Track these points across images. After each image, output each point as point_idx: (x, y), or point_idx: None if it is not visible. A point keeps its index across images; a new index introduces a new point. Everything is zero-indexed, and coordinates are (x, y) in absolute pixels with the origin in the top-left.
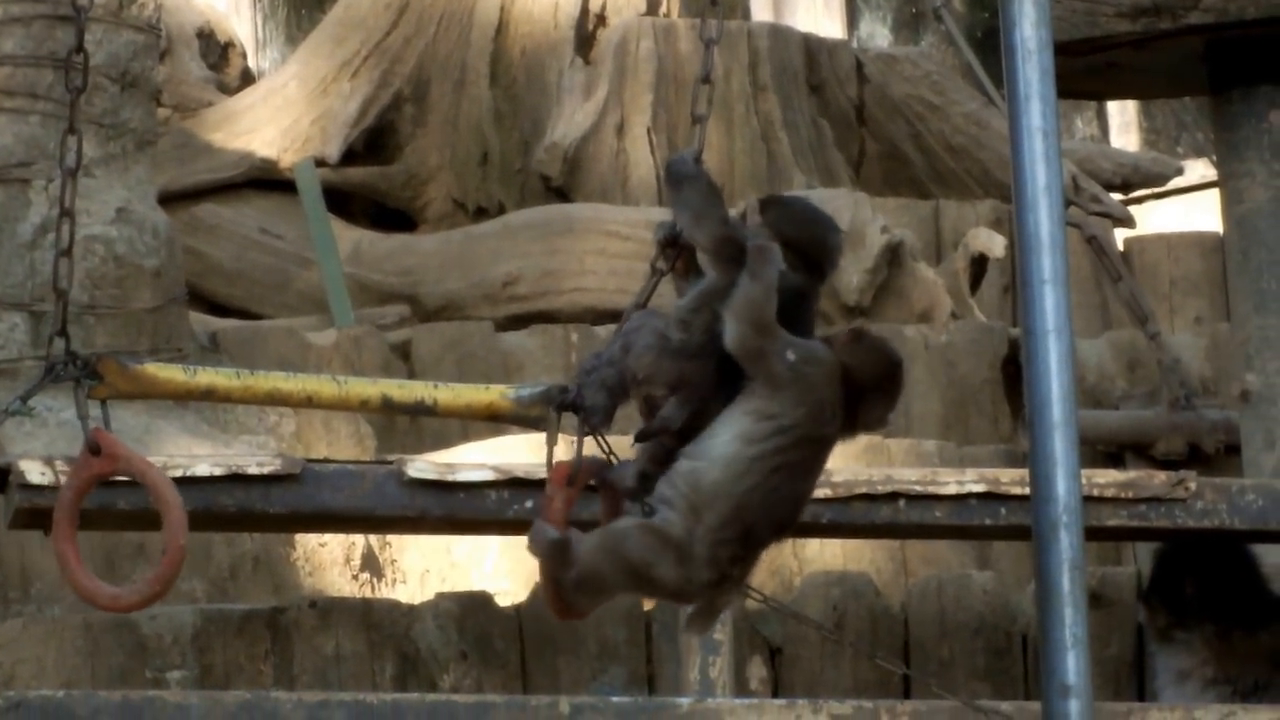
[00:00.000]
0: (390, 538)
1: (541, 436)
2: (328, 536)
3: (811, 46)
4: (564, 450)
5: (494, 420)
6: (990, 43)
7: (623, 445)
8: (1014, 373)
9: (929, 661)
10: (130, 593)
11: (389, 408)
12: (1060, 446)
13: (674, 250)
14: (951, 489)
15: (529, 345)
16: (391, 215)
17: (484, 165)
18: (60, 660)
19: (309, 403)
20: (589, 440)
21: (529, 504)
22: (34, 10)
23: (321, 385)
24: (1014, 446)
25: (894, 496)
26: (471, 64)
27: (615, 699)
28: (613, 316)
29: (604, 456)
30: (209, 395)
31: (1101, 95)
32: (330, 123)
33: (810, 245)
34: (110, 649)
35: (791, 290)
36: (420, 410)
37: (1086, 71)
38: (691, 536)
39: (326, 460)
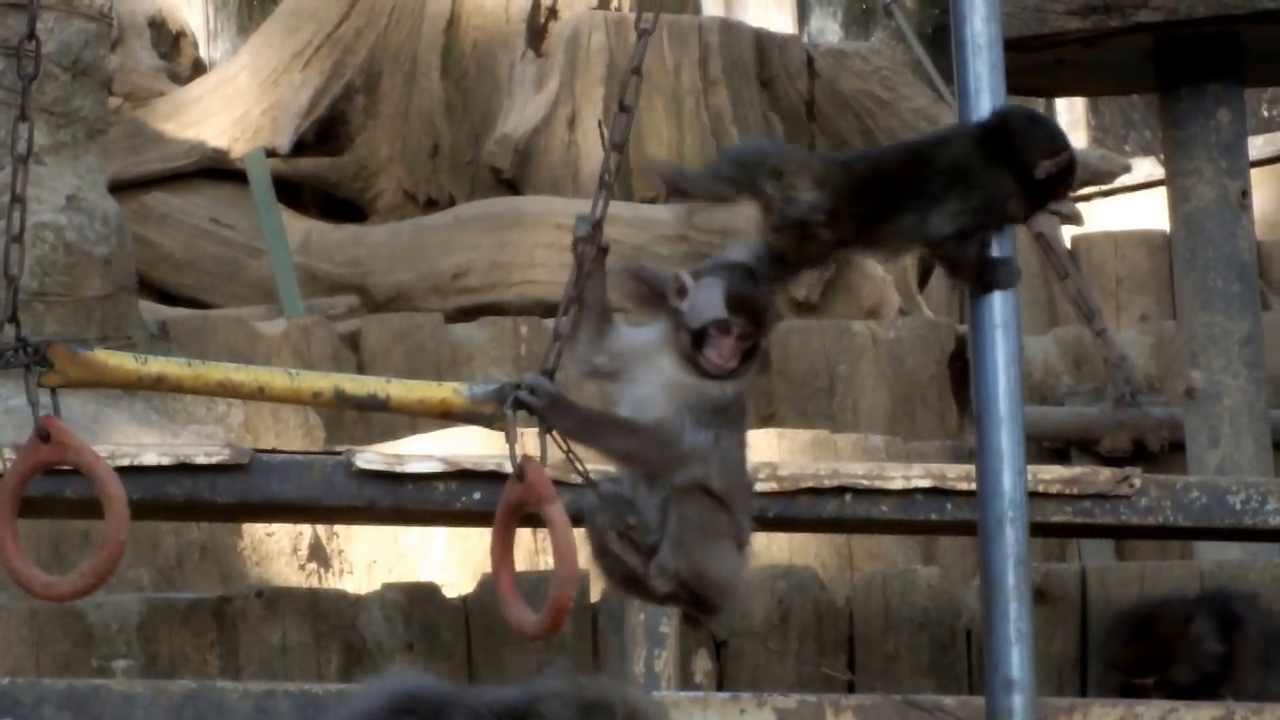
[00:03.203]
0: (338, 528)
1: (489, 430)
2: (275, 526)
3: (762, 41)
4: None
5: (446, 418)
6: (940, 39)
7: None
8: (961, 369)
9: (873, 656)
10: (65, 582)
11: (341, 401)
12: (1007, 442)
13: (590, 246)
14: (898, 484)
15: (478, 337)
16: (342, 206)
17: (434, 157)
18: (5, 648)
19: (261, 394)
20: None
21: (477, 495)
22: None
23: (273, 377)
24: (960, 442)
25: (840, 491)
26: (423, 56)
27: None
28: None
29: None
30: (160, 384)
31: (1050, 92)
32: (281, 113)
33: (1005, 132)
34: (56, 637)
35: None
36: (372, 405)
37: (1036, 68)
38: None
39: (275, 450)
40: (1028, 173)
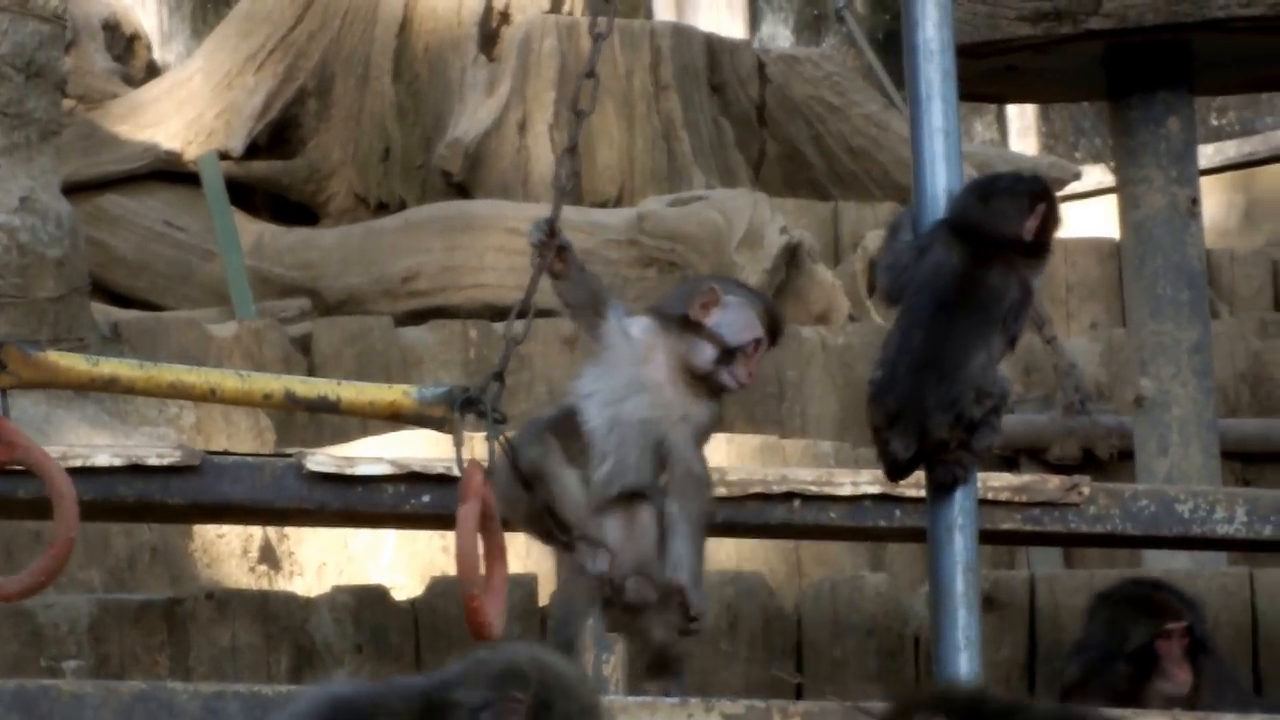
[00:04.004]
0: (288, 530)
1: (439, 433)
2: (226, 528)
3: (714, 46)
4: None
5: (396, 419)
6: (892, 45)
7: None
8: None
9: (821, 662)
10: (14, 582)
11: (292, 403)
12: None
13: (549, 250)
14: (847, 490)
15: (428, 340)
16: (294, 209)
17: (386, 160)
18: None
19: (212, 395)
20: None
21: (426, 498)
22: None
23: (225, 379)
24: None
25: (789, 497)
26: (375, 60)
27: None
28: (511, 313)
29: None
30: (112, 385)
31: (1001, 98)
32: (234, 116)
33: (970, 221)
34: (5, 637)
35: (948, 271)
36: (323, 407)
37: (987, 74)
38: None
39: (226, 452)
40: (1020, 243)
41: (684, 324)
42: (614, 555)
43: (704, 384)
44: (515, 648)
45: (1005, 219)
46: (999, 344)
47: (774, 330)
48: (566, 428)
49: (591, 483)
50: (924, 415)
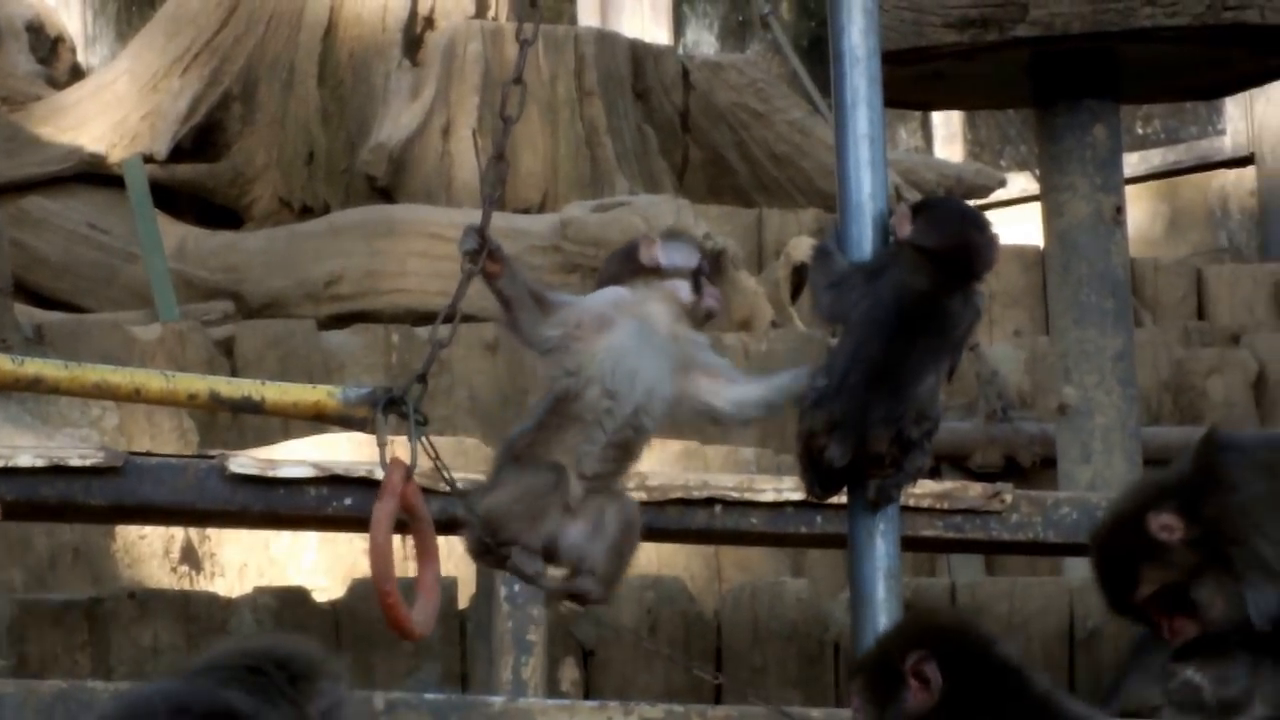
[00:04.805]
0: (210, 531)
1: (362, 435)
2: (148, 529)
3: (638, 53)
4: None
5: (320, 420)
6: (816, 52)
7: (443, 445)
8: None
9: (741, 667)
10: None
11: (217, 403)
12: None
13: (480, 258)
14: (768, 496)
15: (350, 344)
16: (218, 212)
17: (310, 165)
18: None
19: (137, 395)
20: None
21: (348, 501)
22: None
23: (150, 379)
24: None
25: (710, 502)
26: (300, 64)
27: (429, 696)
28: (433, 318)
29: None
30: (37, 385)
31: (927, 105)
32: (159, 119)
33: (945, 249)
34: None
35: (915, 293)
36: (247, 407)
37: (913, 81)
38: None
39: (149, 454)
40: (974, 283)
41: (646, 274)
42: (579, 556)
43: (691, 319)
44: (267, 640)
45: (982, 249)
46: (945, 369)
47: (705, 252)
48: (553, 423)
49: (598, 451)
50: (866, 427)
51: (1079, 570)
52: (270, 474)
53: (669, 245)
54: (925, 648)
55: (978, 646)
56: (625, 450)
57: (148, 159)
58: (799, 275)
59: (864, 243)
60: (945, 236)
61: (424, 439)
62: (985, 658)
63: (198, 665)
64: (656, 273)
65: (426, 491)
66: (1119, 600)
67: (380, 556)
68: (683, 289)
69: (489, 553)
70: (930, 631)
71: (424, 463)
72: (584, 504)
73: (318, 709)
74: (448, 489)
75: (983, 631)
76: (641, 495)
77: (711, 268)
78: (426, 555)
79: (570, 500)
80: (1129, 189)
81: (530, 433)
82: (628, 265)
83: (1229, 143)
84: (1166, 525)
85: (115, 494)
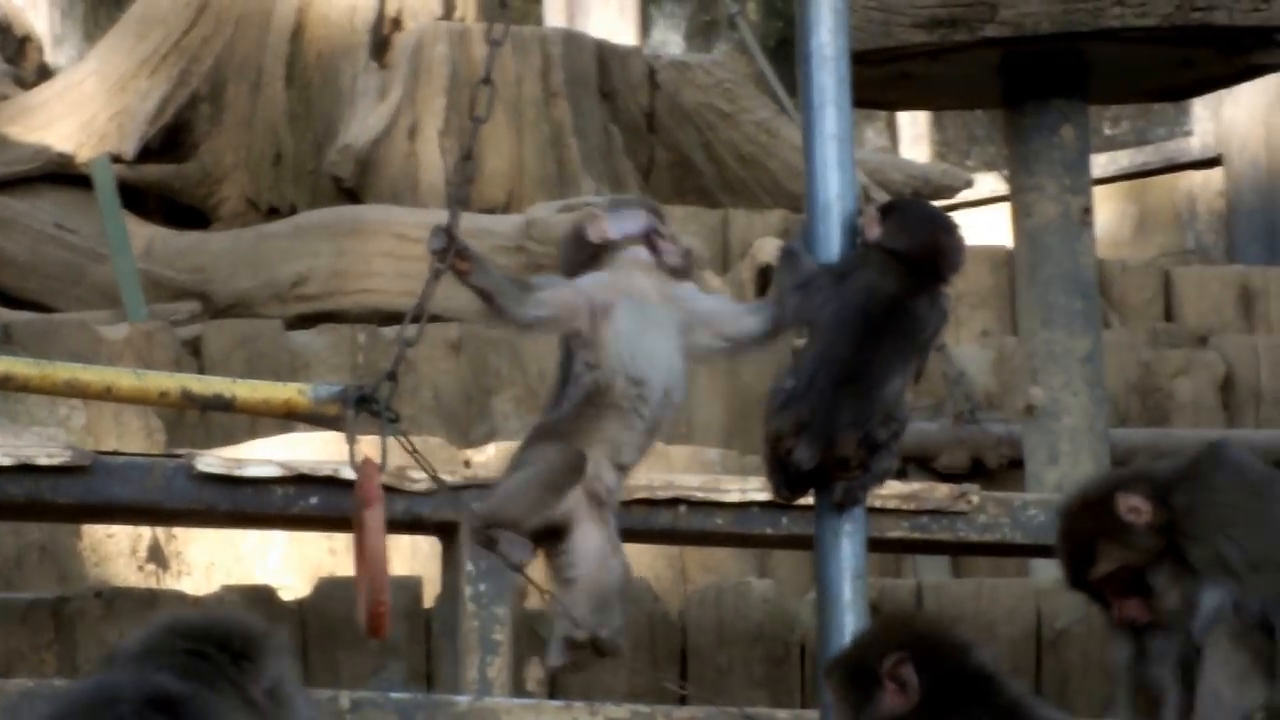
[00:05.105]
0: (177, 530)
1: (328, 434)
2: (115, 527)
3: (604, 53)
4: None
5: (290, 418)
6: (784, 52)
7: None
8: None
9: (706, 669)
10: None
11: (188, 401)
12: None
13: (449, 257)
14: (733, 496)
15: (317, 344)
16: (185, 213)
17: (277, 165)
18: None
19: (108, 393)
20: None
21: (314, 500)
22: None
23: (120, 376)
24: None
25: (675, 502)
26: (268, 65)
27: (395, 695)
28: (399, 318)
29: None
30: (6, 383)
31: (895, 105)
32: (127, 119)
33: (913, 252)
34: None
35: (883, 295)
36: (218, 405)
37: (881, 81)
38: None
39: (116, 453)
40: (941, 285)
41: (604, 252)
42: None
43: (667, 272)
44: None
45: (951, 253)
46: (912, 371)
47: (651, 209)
48: (588, 413)
49: (639, 438)
50: (834, 429)
51: (1046, 571)
52: (237, 473)
53: (615, 216)
54: (903, 650)
55: (954, 651)
56: (659, 427)
57: (115, 159)
58: (764, 276)
59: (831, 243)
60: (914, 239)
61: (401, 435)
62: (961, 663)
63: (136, 649)
64: (612, 247)
65: (391, 490)
66: (1076, 574)
67: (380, 566)
68: (641, 254)
69: (486, 537)
70: (908, 635)
71: (391, 460)
72: (602, 515)
73: (262, 688)
74: (415, 488)
75: (959, 636)
76: None
77: (659, 217)
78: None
79: (604, 491)
80: (1097, 190)
81: (566, 421)
82: (583, 249)
83: (1197, 144)
84: (1134, 507)
85: (82, 493)
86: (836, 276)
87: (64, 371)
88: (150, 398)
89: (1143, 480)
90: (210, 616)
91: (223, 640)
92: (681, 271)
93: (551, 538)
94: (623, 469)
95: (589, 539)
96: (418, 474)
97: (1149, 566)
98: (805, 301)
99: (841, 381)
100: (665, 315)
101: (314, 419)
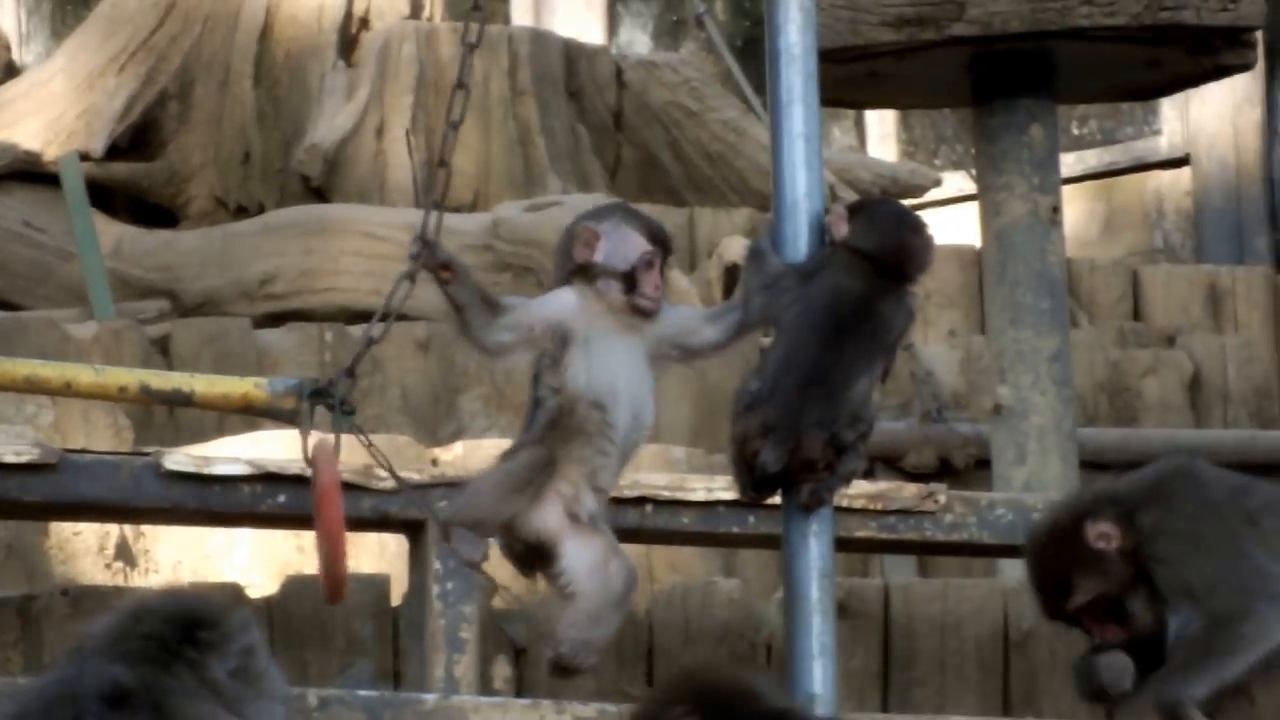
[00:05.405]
0: (144, 528)
1: (295, 433)
2: (82, 525)
3: (571, 52)
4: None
5: (248, 412)
6: (750, 51)
7: (376, 443)
8: None
9: (672, 668)
10: None
11: (147, 396)
12: None
13: (432, 264)
14: (700, 495)
15: (284, 342)
16: (154, 211)
17: (246, 164)
18: None
19: (68, 389)
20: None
21: (282, 498)
22: None
23: (80, 372)
24: None
25: (641, 501)
26: (236, 64)
27: (362, 693)
28: (366, 316)
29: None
30: None
31: (863, 104)
32: (95, 118)
33: (881, 252)
34: None
35: (850, 295)
36: (177, 400)
37: (848, 80)
38: None
39: (84, 451)
40: (908, 285)
41: (584, 272)
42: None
43: (637, 310)
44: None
45: (919, 253)
46: (879, 372)
47: (658, 239)
48: (556, 437)
49: (614, 464)
50: (800, 431)
51: (1013, 571)
52: (205, 471)
53: (610, 238)
54: (689, 704)
55: (745, 699)
56: (633, 450)
57: (83, 157)
58: (731, 275)
59: (799, 242)
60: (882, 239)
61: (356, 429)
62: (752, 710)
63: (99, 638)
64: (593, 268)
65: (358, 488)
66: (1053, 607)
67: (336, 519)
68: (613, 288)
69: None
70: (696, 689)
71: (354, 460)
72: (590, 531)
73: (225, 668)
74: (382, 486)
75: (752, 684)
76: None
77: (663, 249)
78: (333, 541)
79: (581, 511)
80: (1065, 190)
81: (536, 443)
82: (568, 260)
83: (1165, 144)
84: (1104, 534)
85: (50, 491)
86: (802, 277)
87: (23, 368)
88: (110, 393)
89: (1107, 503)
90: (173, 600)
91: (185, 624)
92: (648, 314)
93: (543, 561)
94: (599, 492)
95: (579, 555)
96: (385, 473)
97: (1124, 594)
98: (771, 302)
99: (807, 384)
100: (629, 345)
101: (272, 413)
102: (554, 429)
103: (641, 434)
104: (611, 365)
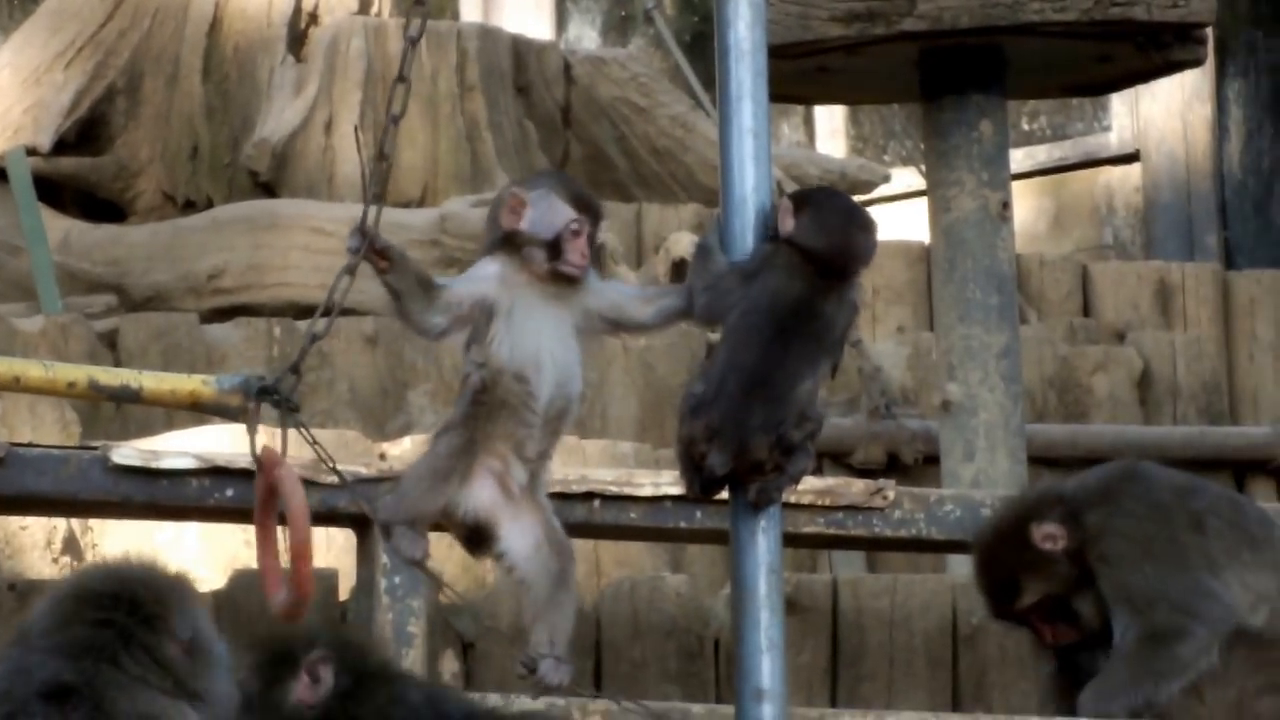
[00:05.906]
0: (92, 522)
1: (243, 428)
2: (29, 519)
3: (520, 48)
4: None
5: (196, 408)
6: (699, 46)
7: (324, 438)
8: None
9: (620, 663)
10: None
11: (96, 391)
12: None
13: (371, 257)
14: (647, 490)
15: (232, 337)
16: (102, 206)
17: (194, 159)
18: None
19: (16, 384)
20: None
21: (230, 492)
22: None
23: (29, 367)
24: None
25: (589, 496)
26: (185, 59)
27: None
28: (314, 311)
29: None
30: None
31: (812, 100)
32: (43, 112)
33: (826, 252)
34: None
35: (791, 296)
36: (126, 396)
37: (797, 75)
38: None
39: (31, 444)
40: (850, 282)
41: (510, 240)
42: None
43: (562, 278)
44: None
45: (865, 253)
46: (824, 370)
47: (586, 206)
48: (480, 414)
49: (537, 433)
50: (746, 434)
51: (962, 567)
52: (153, 465)
53: (535, 204)
54: (327, 650)
55: (367, 653)
56: (560, 421)
57: (31, 152)
58: (679, 270)
59: (747, 237)
60: (829, 239)
61: (301, 427)
62: (374, 665)
63: (43, 623)
64: (518, 236)
65: (305, 483)
66: (1001, 608)
67: (303, 548)
68: (537, 257)
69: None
70: (335, 639)
71: (305, 455)
72: (526, 506)
73: (178, 641)
74: (329, 481)
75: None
76: None
77: (591, 217)
78: (299, 545)
79: (513, 484)
80: (1015, 185)
81: (459, 426)
82: (495, 228)
83: (1115, 140)
84: (1050, 535)
85: None
86: (745, 277)
87: None
88: (58, 388)
89: (1053, 503)
90: (117, 577)
91: (132, 602)
92: (572, 280)
93: (484, 543)
94: (529, 462)
95: (517, 536)
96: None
97: (1071, 594)
98: (714, 302)
99: (751, 387)
100: (554, 313)
101: (219, 410)
102: (479, 404)
103: (569, 404)
104: (535, 335)
